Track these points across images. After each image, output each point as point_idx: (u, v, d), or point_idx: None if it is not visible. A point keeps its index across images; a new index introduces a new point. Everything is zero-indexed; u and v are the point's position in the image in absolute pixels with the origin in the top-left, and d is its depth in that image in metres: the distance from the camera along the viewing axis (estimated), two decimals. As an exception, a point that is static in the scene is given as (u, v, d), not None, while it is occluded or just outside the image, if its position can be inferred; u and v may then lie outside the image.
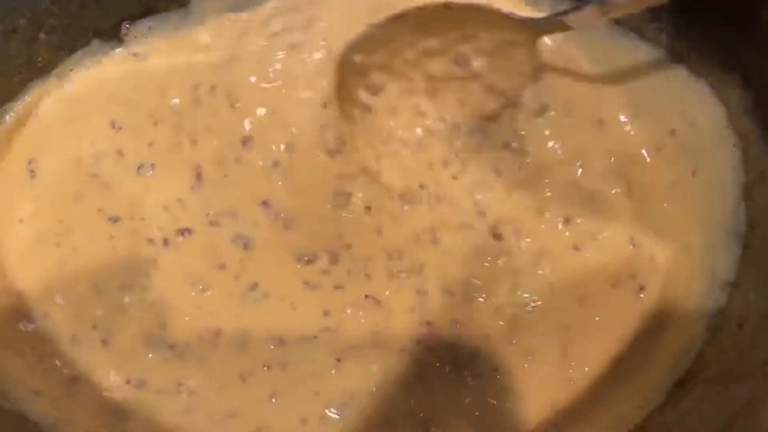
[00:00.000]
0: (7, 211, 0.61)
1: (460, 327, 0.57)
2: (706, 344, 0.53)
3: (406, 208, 0.59)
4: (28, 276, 0.58)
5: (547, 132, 0.62)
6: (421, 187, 0.60)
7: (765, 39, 0.53)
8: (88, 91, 0.65)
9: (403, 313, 0.57)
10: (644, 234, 0.60)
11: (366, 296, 0.57)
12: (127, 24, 0.67)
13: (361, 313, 0.57)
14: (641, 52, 0.62)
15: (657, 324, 0.56)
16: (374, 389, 0.54)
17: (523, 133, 0.62)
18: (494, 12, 0.57)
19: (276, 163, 0.58)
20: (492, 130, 0.62)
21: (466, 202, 0.61)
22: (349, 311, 0.57)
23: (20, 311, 0.57)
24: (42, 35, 0.63)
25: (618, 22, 0.62)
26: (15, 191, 0.62)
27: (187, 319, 0.57)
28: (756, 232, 0.55)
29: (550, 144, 0.62)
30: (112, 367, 0.56)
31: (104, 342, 0.56)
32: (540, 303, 0.58)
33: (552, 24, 0.57)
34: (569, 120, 0.63)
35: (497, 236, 0.60)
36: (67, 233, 0.60)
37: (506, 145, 0.62)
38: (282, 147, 0.58)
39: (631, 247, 0.59)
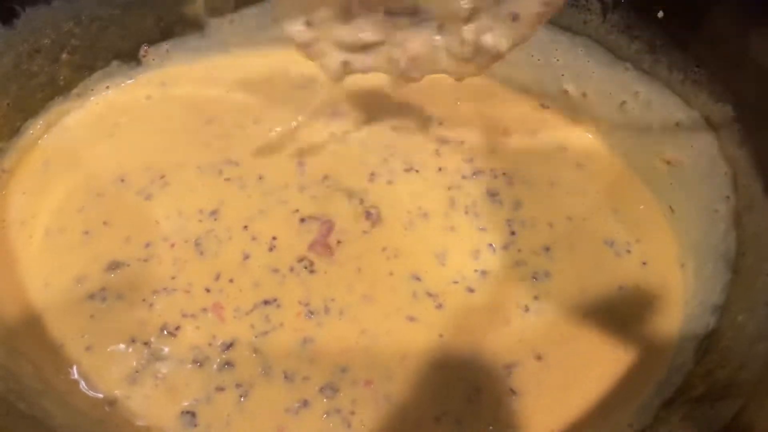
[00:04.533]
0: (22, 222, 0.63)
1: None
2: (694, 366, 0.53)
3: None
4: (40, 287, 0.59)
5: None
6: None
7: (755, 72, 0.56)
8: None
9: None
10: (636, 257, 0.62)
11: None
12: (145, 46, 0.70)
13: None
14: (637, 82, 0.65)
15: (647, 347, 0.57)
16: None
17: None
18: None
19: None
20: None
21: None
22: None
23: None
24: (64, 55, 0.67)
25: (616, 54, 0.65)
26: (30, 203, 0.64)
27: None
28: (745, 258, 0.56)
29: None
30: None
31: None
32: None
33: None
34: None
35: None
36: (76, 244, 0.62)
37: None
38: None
39: (623, 272, 0.61)
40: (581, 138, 0.71)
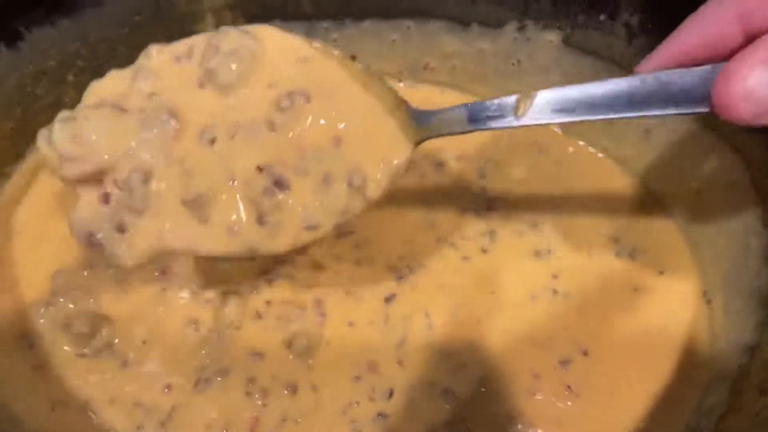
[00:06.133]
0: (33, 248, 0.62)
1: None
2: (727, 409, 0.51)
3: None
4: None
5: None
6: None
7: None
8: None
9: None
10: (666, 294, 0.60)
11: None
12: (153, 67, 0.68)
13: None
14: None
15: (677, 388, 0.55)
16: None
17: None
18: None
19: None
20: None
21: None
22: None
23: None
24: (70, 77, 0.65)
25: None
26: (40, 226, 0.63)
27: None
28: (779, 295, 0.54)
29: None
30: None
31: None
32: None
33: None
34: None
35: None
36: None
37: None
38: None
39: (652, 308, 0.59)
40: (605, 165, 0.68)
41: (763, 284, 0.55)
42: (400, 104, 0.49)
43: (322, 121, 0.48)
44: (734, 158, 0.58)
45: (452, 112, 0.48)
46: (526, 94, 0.45)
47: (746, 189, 0.57)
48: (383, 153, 0.48)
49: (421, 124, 0.49)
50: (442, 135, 0.49)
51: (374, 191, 0.48)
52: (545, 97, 0.45)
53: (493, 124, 0.46)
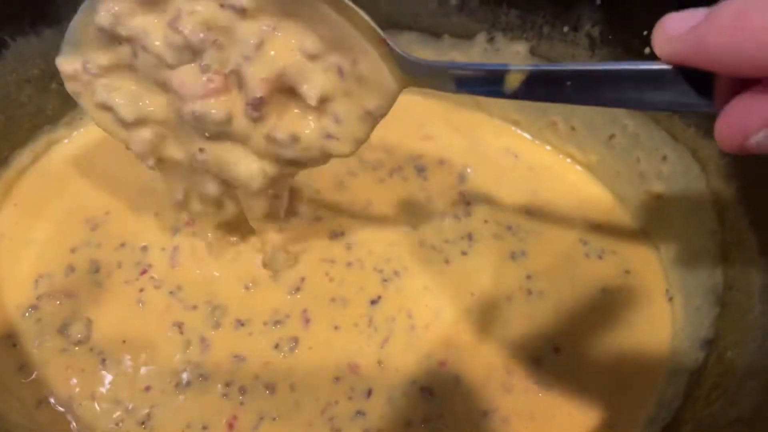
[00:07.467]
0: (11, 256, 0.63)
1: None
2: (683, 402, 0.53)
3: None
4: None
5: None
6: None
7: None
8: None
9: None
10: (632, 292, 0.62)
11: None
12: (135, 76, 0.70)
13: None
14: (625, 116, 0.65)
15: (641, 381, 0.57)
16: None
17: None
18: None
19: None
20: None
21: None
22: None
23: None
24: (54, 85, 0.67)
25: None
26: (18, 235, 0.64)
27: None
28: (733, 293, 0.56)
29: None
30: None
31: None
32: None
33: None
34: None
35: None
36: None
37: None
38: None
39: (619, 306, 0.61)
40: (572, 170, 0.71)
41: (718, 283, 0.58)
42: (382, 41, 0.44)
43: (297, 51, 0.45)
44: (692, 163, 0.61)
45: (438, 64, 0.43)
46: (520, 66, 0.40)
47: (703, 192, 0.60)
48: (366, 96, 0.46)
49: (405, 69, 0.44)
50: (426, 87, 0.44)
51: (354, 139, 0.47)
52: (540, 73, 0.40)
53: (480, 89, 0.42)
